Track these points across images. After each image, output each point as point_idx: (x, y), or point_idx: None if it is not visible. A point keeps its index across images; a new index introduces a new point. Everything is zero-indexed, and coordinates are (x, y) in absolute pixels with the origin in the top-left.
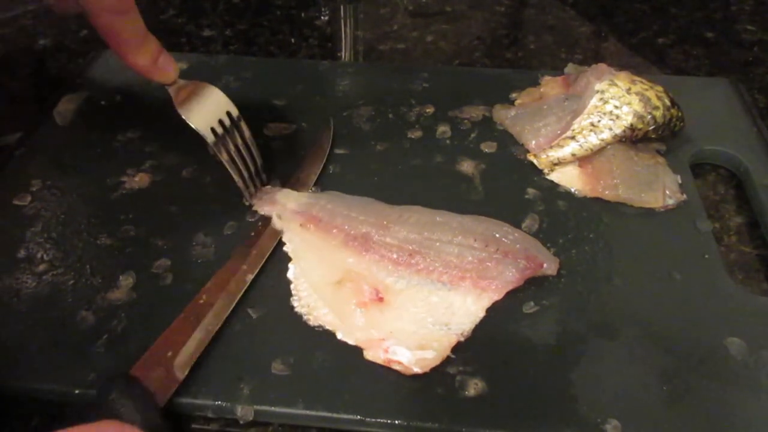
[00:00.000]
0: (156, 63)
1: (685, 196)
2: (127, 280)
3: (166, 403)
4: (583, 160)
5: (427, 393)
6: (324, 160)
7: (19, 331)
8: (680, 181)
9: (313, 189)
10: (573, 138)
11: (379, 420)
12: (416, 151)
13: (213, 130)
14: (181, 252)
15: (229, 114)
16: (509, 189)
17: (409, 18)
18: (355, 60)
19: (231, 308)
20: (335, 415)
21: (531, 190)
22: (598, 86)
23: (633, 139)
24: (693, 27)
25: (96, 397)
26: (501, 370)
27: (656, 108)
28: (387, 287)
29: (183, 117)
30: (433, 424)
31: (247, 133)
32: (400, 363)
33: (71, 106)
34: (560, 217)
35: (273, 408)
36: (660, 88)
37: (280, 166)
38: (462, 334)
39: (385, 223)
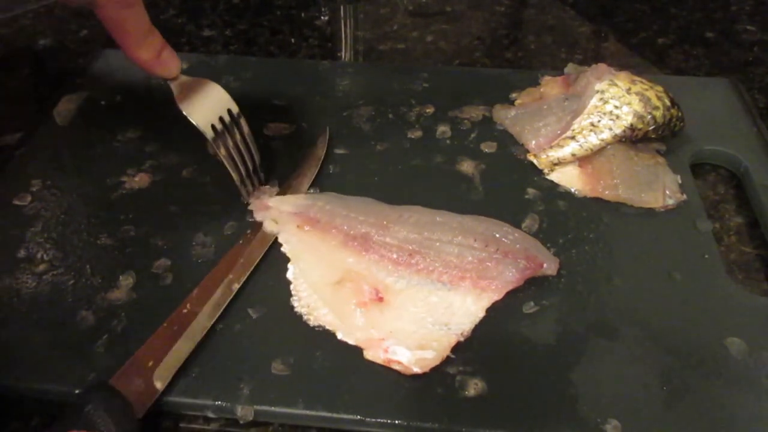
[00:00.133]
0: (159, 57)
1: (685, 196)
2: (127, 280)
3: (145, 413)
4: (583, 160)
5: (427, 393)
6: (317, 168)
7: (19, 331)
8: (680, 181)
9: (311, 191)
10: (573, 138)
11: (379, 420)
12: (416, 151)
13: (213, 127)
14: (181, 252)
15: (229, 111)
16: (509, 189)
17: (409, 18)
18: (355, 60)
19: (215, 318)
20: (335, 415)
21: (531, 190)
22: (598, 86)
23: (633, 139)
24: (693, 27)
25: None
26: (501, 370)
27: (656, 108)
28: (387, 287)
29: (184, 113)
30: (433, 424)
31: (246, 129)
32: (399, 363)
33: (71, 106)
34: (560, 217)
35: (273, 408)
36: (660, 88)
37: (280, 166)
38: (462, 334)
39: (384, 223)
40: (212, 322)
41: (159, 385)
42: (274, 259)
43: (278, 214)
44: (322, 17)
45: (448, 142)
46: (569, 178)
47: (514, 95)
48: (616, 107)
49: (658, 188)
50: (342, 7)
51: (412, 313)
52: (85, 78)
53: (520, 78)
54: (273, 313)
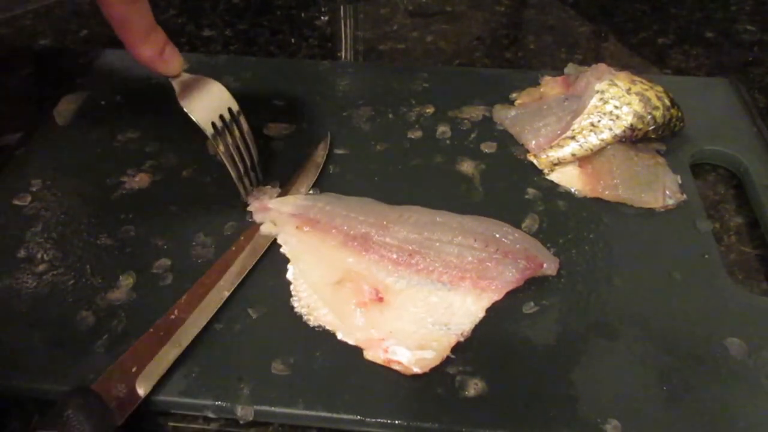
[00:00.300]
0: (162, 55)
1: (685, 196)
2: (127, 280)
3: (127, 419)
4: (583, 160)
5: (427, 393)
6: (318, 172)
7: (19, 331)
8: (680, 181)
9: (311, 192)
10: (573, 138)
11: (379, 420)
12: (416, 151)
13: (213, 124)
14: (181, 252)
15: (229, 109)
16: (509, 189)
17: (409, 18)
18: (355, 60)
19: (203, 325)
20: (335, 415)
21: (531, 190)
22: (598, 86)
23: (633, 139)
24: (693, 27)
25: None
26: (501, 370)
27: (656, 108)
28: (387, 287)
29: (185, 110)
30: (433, 424)
31: (245, 127)
32: (399, 363)
33: (71, 106)
34: (560, 217)
35: (273, 408)
36: (660, 88)
37: (280, 166)
38: (462, 334)
39: (384, 223)
40: (200, 329)
41: (141, 392)
42: (274, 259)
43: (278, 215)
44: (322, 17)
45: (448, 142)
46: (569, 178)
47: (514, 95)
48: (616, 107)
49: (658, 188)
50: (342, 7)
51: (412, 313)
52: (85, 78)
53: (520, 78)
54: (273, 313)
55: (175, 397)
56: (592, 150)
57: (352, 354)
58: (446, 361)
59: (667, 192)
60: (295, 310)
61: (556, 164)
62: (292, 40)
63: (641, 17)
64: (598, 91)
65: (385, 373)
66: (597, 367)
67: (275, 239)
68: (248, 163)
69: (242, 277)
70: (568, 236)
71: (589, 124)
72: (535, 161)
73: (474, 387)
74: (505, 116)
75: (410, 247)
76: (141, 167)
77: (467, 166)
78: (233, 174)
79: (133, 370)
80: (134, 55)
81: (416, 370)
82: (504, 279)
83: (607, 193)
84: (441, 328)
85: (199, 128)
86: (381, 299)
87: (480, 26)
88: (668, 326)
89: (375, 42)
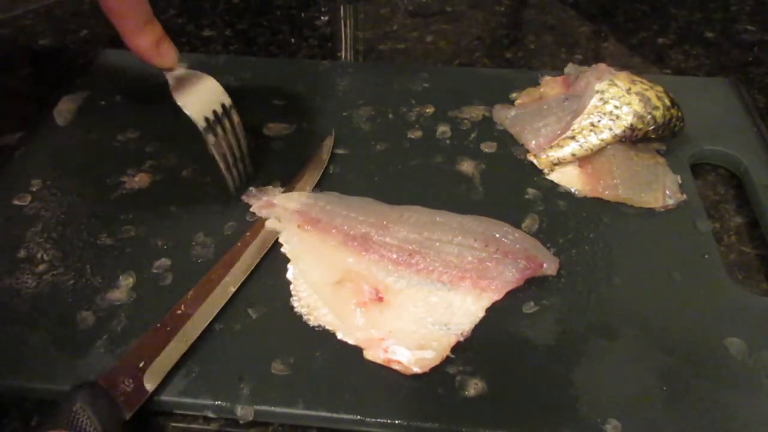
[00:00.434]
0: (158, 47)
1: (685, 196)
2: (127, 280)
3: (132, 415)
4: (583, 160)
5: (427, 393)
6: (322, 171)
7: (19, 331)
8: (680, 181)
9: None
10: (573, 138)
11: (379, 420)
12: (416, 151)
13: (206, 119)
14: (181, 252)
15: (223, 105)
16: (509, 189)
17: (409, 18)
18: (355, 60)
19: (209, 320)
20: (335, 415)
21: (531, 190)
22: (598, 86)
23: (633, 139)
24: (693, 27)
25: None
26: (501, 370)
27: (656, 108)
28: (387, 287)
29: (178, 104)
30: (433, 424)
31: (236, 119)
32: (399, 363)
33: (71, 106)
34: (560, 217)
35: (273, 408)
36: (660, 88)
37: (280, 166)
38: (462, 334)
39: (384, 223)
40: (206, 324)
41: (149, 386)
42: (274, 259)
43: (282, 211)
44: (322, 17)
45: (448, 142)
46: (569, 178)
47: (514, 95)
48: (616, 107)
49: (658, 188)
50: (342, 7)
51: (412, 313)
52: (85, 78)
53: (520, 78)
54: (273, 313)
55: (175, 397)
56: (592, 150)
57: (352, 354)
58: (446, 361)
59: (667, 192)
60: (295, 310)
61: (556, 164)
62: (292, 40)
63: (641, 17)
64: (598, 91)
65: (385, 373)
66: (597, 367)
67: (278, 238)
68: (237, 154)
69: (249, 272)
70: (568, 236)
71: (589, 124)
72: (535, 161)
73: (474, 387)
74: (505, 116)
75: (410, 247)
76: (141, 167)
77: (467, 166)
78: (222, 166)
79: (141, 365)
80: (130, 46)
81: (416, 369)
82: (504, 279)
83: (607, 193)
84: (441, 328)
85: (193, 124)
86: (381, 299)
87: (480, 26)
88: (668, 326)
89: (375, 42)
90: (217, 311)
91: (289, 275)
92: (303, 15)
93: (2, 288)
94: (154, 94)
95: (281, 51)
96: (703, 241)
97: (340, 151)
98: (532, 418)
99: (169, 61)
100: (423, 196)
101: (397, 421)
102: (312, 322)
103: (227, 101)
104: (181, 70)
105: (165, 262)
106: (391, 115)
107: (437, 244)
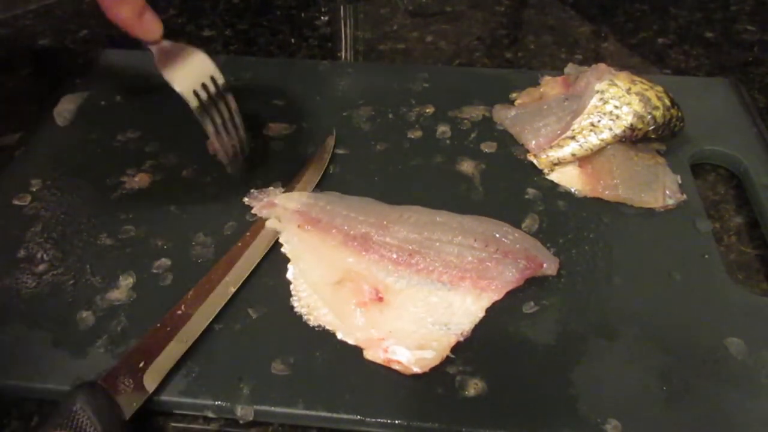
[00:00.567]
0: (140, 18)
1: (685, 196)
2: (127, 280)
3: (133, 415)
4: (583, 160)
5: (427, 393)
6: (323, 170)
7: (19, 331)
8: (680, 181)
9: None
10: (573, 138)
11: (379, 420)
12: (416, 151)
13: (196, 94)
14: (181, 252)
15: (213, 81)
16: (509, 189)
17: (409, 18)
18: (355, 60)
19: (209, 321)
20: (335, 415)
21: (531, 190)
22: (598, 86)
23: (633, 139)
24: (693, 27)
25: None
26: (501, 370)
27: (656, 108)
28: (387, 287)
29: (166, 79)
30: (433, 424)
31: (227, 92)
32: (399, 363)
33: (71, 106)
34: (560, 217)
35: (273, 408)
36: (660, 88)
37: (280, 166)
38: (462, 334)
39: (384, 223)
40: (206, 325)
41: (149, 387)
42: (274, 259)
43: (282, 211)
44: (322, 17)
45: (448, 142)
46: (569, 178)
47: (514, 95)
48: (616, 107)
49: (658, 188)
50: (342, 7)
51: (412, 313)
52: (85, 78)
53: (520, 78)
54: (273, 313)
55: (175, 397)
56: (592, 150)
57: (352, 354)
58: (446, 361)
59: (667, 192)
60: (295, 310)
61: (556, 164)
62: (292, 40)
63: (641, 17)
64: (598, 91)
65: (385, 373)
66: (597, 367)
67: (278, 238)
68: (233, 132)
69: (249, 272)
70: (568, 236)
71: (589, 124)
72: (535, 161)
73: (474, 387)
74: (505, 116)
75: (410, 247)
76: (141, 167)
77: (467, 166)
78: (210, 131)
79: (141, 365)
80: (110, 16)
81: (416, 369)
82: (504, 279)
83: (607, 193)
84: (441, 327)
85: (179, 95)
86: (381, 299)
87: (480, 26)
88: (668, 326)
89: (375, 42)
90: (217, 311)
91: (289, 275)
92: (303, 15)
93: (2, 288)
94: (154, 94)
95: (281, 51)
96: (703, 241)
97: (340, 151)
98: (532, 418)
99: (152, 32)
100: (423, 196)
101: (397, 421)
102: (312, 322)
103: (219, 77)
104: (166, 43)
105: (165, 262)
106: (391, 115)
107: (437, 244)
